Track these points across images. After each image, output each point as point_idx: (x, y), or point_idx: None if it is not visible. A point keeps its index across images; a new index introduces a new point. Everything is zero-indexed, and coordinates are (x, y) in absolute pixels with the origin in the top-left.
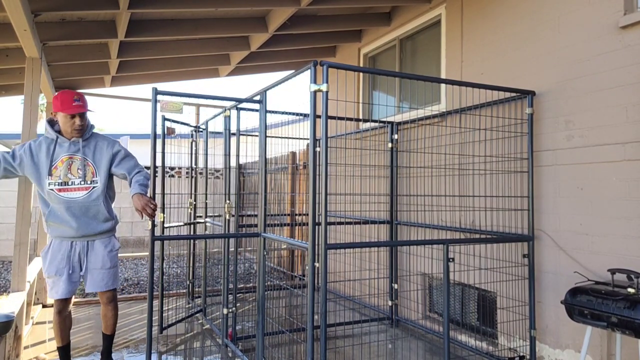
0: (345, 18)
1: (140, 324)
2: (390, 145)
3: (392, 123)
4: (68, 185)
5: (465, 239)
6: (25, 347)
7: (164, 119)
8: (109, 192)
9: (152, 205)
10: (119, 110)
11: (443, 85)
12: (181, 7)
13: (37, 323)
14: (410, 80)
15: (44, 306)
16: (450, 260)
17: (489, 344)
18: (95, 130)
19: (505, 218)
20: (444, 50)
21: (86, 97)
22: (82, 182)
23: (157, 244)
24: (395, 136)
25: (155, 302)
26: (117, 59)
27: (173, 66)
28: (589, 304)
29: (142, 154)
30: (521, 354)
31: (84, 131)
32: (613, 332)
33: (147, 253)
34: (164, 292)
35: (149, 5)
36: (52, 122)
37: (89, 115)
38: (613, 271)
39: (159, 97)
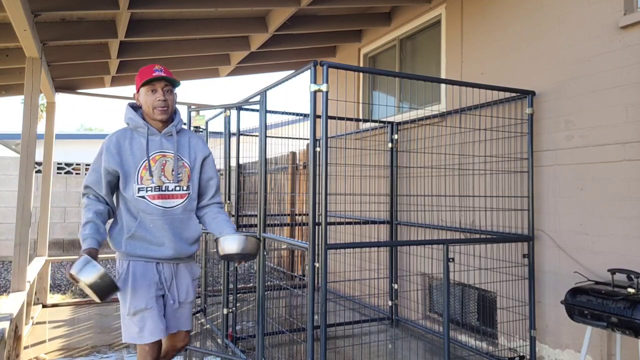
0: (345, 18)
1: None
2: (390, 145)
3: (392, 123)
4: (162, 190)
5: (465, 239)
6: (25, 347)
7: None
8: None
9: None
10: (119, 110)
11: (443, 85)
12: (181, 7)
13: (37, 323)
14: (410, 80)
15: (44, 306)
16: (450, 260)
17: (489, 344)
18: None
19: (505, 218)
20: (444, 50)
21: (85, 97)
22: (178, 188)
23: None
24: (395, 136)
25: None
26: (117, 59)
27: (173, 66)
28: (589, 304)
29: None
30: (521, 354)
31: (170, 112)
32: (613, 332)
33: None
34: None
35: (149, 5)
36: (135, 108)
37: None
38: (613, 271)
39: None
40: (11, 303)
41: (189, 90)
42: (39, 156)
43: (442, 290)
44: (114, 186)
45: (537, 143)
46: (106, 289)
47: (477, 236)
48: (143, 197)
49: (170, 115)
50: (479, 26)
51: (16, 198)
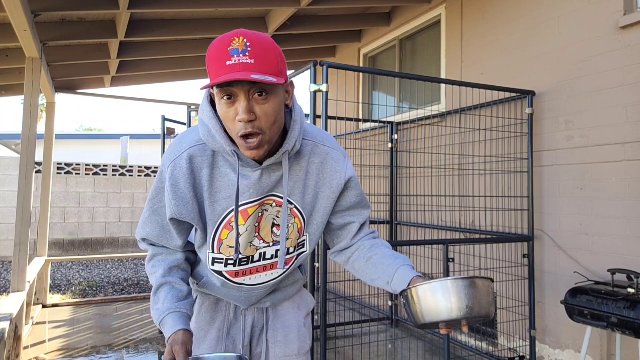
0: (345, 18)
1: (140, 324)
2: (390, 145)
3: (392, 123)
4: (253, 262)
5: (465, 239)
6: (25, 348)
7: (164, 119)
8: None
9: None
10: (119, 110)
11: (443, 85)
12: (181, 7)
13: (37, 323)
14: (410, 80)
15: (44, 306)
16: (450, 260)
17: (489, 344)
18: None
19: (505, 218)
20: (444, 50)
21: (85, 97)
22: (277, 257)
23: None
24: (395, 136)
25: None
26: (117, 59)
27: (173, 66)
28: (589, 304)
29: (142, 154)
30: (521, 354)
31: (269, 141)
32: (613, 333)
33: (147, 253)
34: None
35: (149, 5)
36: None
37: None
38: (613, 271)
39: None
40: (11, 303)
41: (189, 91)
42: (39, 156)
43: None
44: (189, 229)
45: (537, 143)
46: None
47: (477, 236)
48: (220, 272)
49: (273, 140)
50: (478, 26)
51: (16, 198)
